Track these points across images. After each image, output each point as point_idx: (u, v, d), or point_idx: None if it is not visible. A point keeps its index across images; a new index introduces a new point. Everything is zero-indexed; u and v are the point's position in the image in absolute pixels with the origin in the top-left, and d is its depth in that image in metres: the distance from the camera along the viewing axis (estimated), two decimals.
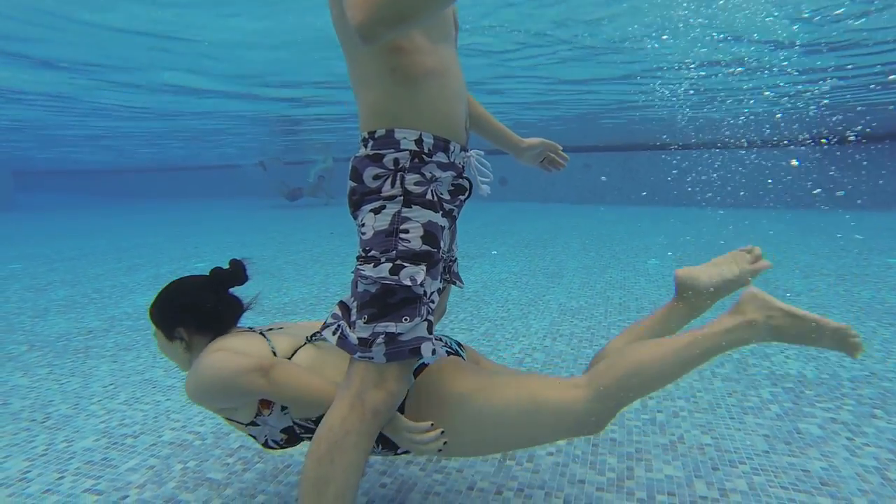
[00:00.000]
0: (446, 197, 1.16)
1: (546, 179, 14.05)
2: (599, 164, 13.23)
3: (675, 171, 12.24)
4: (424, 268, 1.07)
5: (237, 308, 1.44)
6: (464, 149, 1.21)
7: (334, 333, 1.11)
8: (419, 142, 1.09)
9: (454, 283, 1.36)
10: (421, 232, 1.07)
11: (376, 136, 1.09)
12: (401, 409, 1.29)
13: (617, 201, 13.11)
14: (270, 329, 1.44)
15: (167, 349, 1.40)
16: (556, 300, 3.92)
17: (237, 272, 1.43)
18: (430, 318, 1.11)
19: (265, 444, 1.38)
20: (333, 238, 7.71)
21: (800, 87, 7.43)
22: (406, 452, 1.36)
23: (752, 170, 11.45)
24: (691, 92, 7.69)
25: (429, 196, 1.10)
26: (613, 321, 3.38)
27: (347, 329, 1.09)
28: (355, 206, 1.13)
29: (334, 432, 1.04)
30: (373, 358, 1.05)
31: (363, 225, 1.09)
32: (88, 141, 12.94)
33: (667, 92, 7.71)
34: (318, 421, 1.33)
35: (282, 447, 1.40)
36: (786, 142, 10.99)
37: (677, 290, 1.50)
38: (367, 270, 1.06)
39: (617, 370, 1.23)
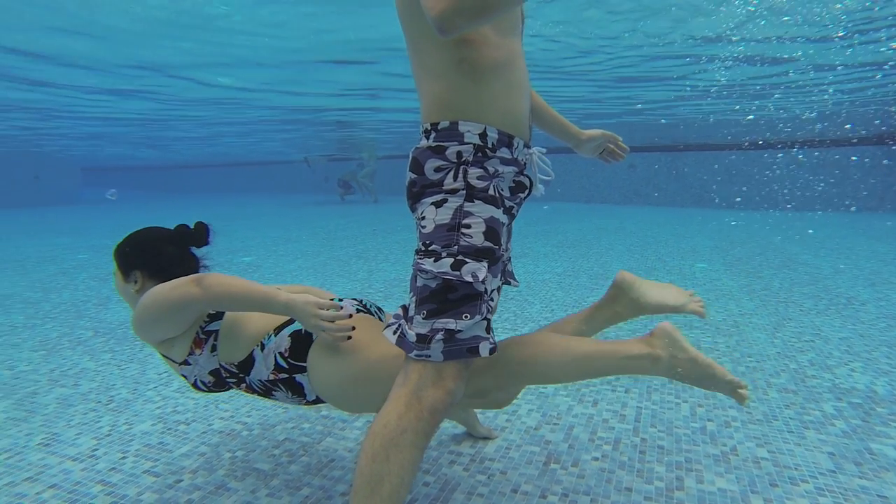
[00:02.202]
0: (507, 194, 1.13)
1: (589, 180, 13.78)
2: (645, 164, 12.87)
3: (724, 173, 11.77)
4: (486, 264, 1.05)
5: (193, 265, 1.54)
6: (526, 145, 1.18)
7: (394, 333, 1.10)
8: (483, 136, 1.06)
9: (509, 283, 1.34)
10: (483, 227, 1.05)
11: (439, 127, 1.07)
12: (307, 344, 1.35)
13: (662, 202, 12.72)
14: None
15: (121, 288, 1.50)
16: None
17: (200, 233, 1.53)
18: (490, 316, 1.08)
19: (194, 385, 1.47)
20: (377, 235, 7.80)
21: (860, 82, 7.00)
22: (318, 402, 1.42)
23: (809, 170, 10.87)
24: (736, 88, 7.37)
25: (491, 191, 1.07)
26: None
27: (406, 326, 1.08)
28: (415, 199, 1.11)
29: (390, 429, 1.02)
30: (430, 356, 1.03)
31: (423, 218, 1.07)
32: (149, 139, 13.58)
33: (717, 81, 7.43)
34: (240, 365, 1.41)
35: (210, 390, 1.47)
36: (854, 140, 10.37)
37: (611, 290, 1.50)
38: (428, 265, 1.04)
39: (515, 355, 1.26)
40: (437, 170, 1.06)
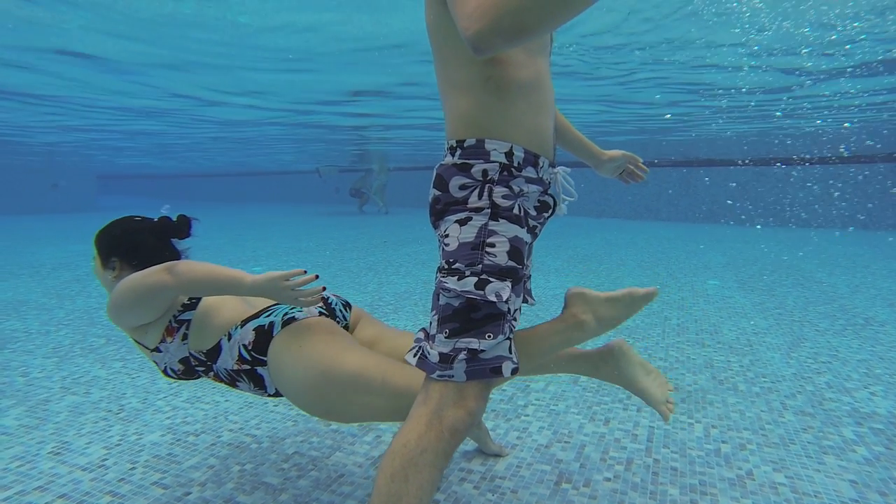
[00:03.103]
0: (532, 213, 1.13)
1: (600, 194, 13.76)
2: (657, 179, 12.83)
3: (737, 188, 11.69)
4: (510, 284, 1.04)
5: (173, 258, 1.59)
6: (552, 164, 1.18)
7: (415, 356, 1.09)
8: (510, 154, 1.06)
9: (526, 301, 1.34)
10: (507, 247, 1.04)
11: (465, 145, 1.07)
12: (268, 339, 1.39)
13: (673, 217, 12.65)
14: None
15: (99, 273, 1.55)
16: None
17: (181, 226, 1.59)
18: (512, 336, 1.08)
19: (165, 372, 1.50)
20: (387, 247, 7.82)
21: (877, 98, 6.95)
22: (278, 395, 1.45)
23: (823, 187, 10.78)
24: (752, 104, 7.35)
25: (516, 210, 1.07)
26: (671, 342, 3.24)
27: (428, 346, 1.07)
28: (438, 216, 1.10)
29: (410, 449, 1.01)
30: (453, 376, 1.02)
31: (447, 236, 1.07)
32: (165, 148, 13.78)
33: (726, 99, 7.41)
34: (208, 353, 1.45)
35: (179, 377, 1.51)
36: (874, 157, 10.27)
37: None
38: (451, 283, 1.03)
39: None
40: (462, 187, 1.06)
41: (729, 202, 11.78)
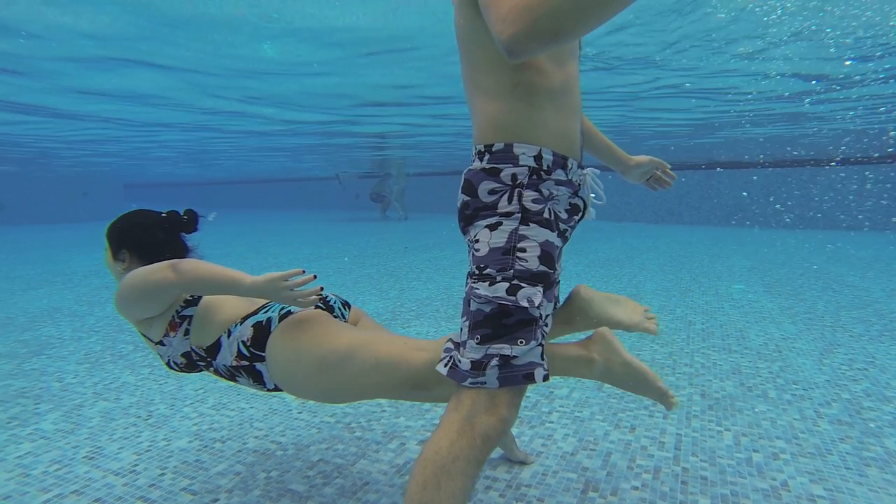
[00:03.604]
0: (563, 216, 1.12)
1: (621, 198, 13.61)
2: (678, 182, 12.65)
3: (761, 190, 11.46)
4: (541, 289, 1.03)
5: (181, 251, 1.63)
6: (580, 166, 1.17)
7: (445, 365, 1.09)
8: (538, 158, 1.05)
9: (554, 307, 1.33)
10: (538, 252, 1.03)
11: (494, 149, 1.06)
12: (266, 335, 1.42)
13: (695, 221, 12.45)
14: None
15: (110, 265, 1.60)
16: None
17: (189, 221, 1.64)
18: (544, 342, 1.07)
19: (168, 365, 1.55)
20: (407, 253, 7.85)
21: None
22: (277, 390, 1.48)
23: (854, 188, 10.49)
24: (774, 111, 7.21)
25: (546, 214, 1.06)
26: (696, 348, 3.18)
27: (458, 354, 1.06)
28: (467, 221, 1.10)
29: (442, 456, 1.00)
30: (485, 383, 1.01)
31: (477, 241, 1.06)
32: (193, 156, 14.08)
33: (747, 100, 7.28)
34: (208, 350, 1.48)
35: (182, 370, 1.55)
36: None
37: (566, 302, 1.51)
38: (482, 289, 1.02)
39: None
40: (492, 192, 1.05)
41: (751, 204, 11.55)
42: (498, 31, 0.81)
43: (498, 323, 1.01)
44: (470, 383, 1.03)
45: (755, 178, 11.54)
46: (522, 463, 1.88)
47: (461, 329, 1.09)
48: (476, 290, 1.03)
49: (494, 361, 1.01)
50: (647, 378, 1.31)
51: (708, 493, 1.69)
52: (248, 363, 1.44)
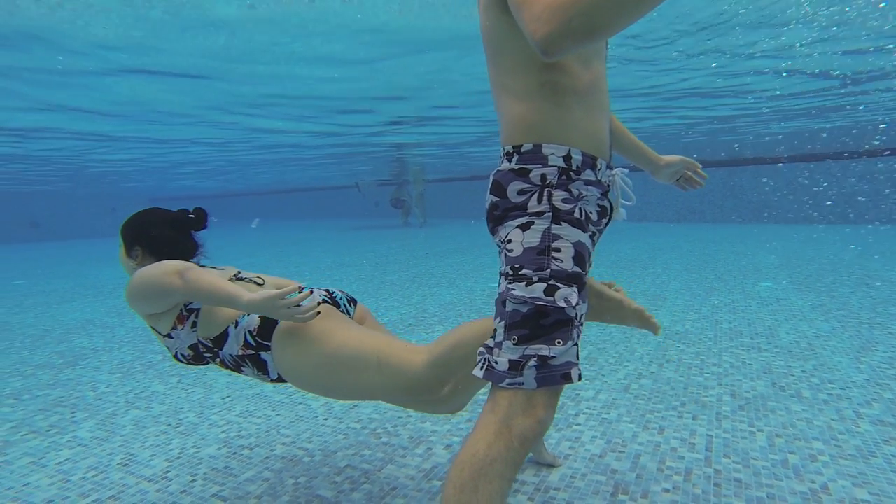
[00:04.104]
0: (594, 217, 1.11)
1: (641, 198, 13.44)
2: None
3: (785, 186, 11.19)
4: (577, 289, 1.03)
5: (191, 248, 1.70)
6: (609, 166, 1.16)
7: (481, 368, 1.08)
8: (567, 158, 1.05)
9: None
10: (572, 252, 1.03)
11: (522, 150, 1.06)
12: (273, 325, 1.47)
13: (718, 219, 12.22)
14: (222, 269, 1.69)
15: (123, 260, 1.68)
16: (661, 323, 3.68)
17: (199, 219, 1.71)
18: (579, 341, 1.07)
19: (176, 357, 1.60)
20: (428, 259, 7.87)
21: None
22: (280, 381, 1.53)
23: (881, 181, 10.18)
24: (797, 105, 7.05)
25: (577, 214, 1.05)
26: (724, 347, 3.11)
27: (493, 355, 1.06)
28: (497, 222, 1.09)
29: (479, 459, 0.99)
30: (523, 384, 1.01)
31: (509, 241, 1.06)
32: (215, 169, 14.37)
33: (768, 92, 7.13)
34: (215, 340, 1.54)
35: (189, 362, 1.60)
36: None
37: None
38: (519, 290, 1.02)
39: (447, 341, 1.32)
40: (521, 192, 1.05)
41: (775, 200, 11.29)
42: (532, 30, 0.81)
43: (535, 323, 1.01)
44: (507, 384, 1.02)
45: (781, 173, 11.29)
46: (550, 466, 1.86)
47: (495, 330, 1.08)
48: (512, 291, 1.03)
49: (532, 362, 1.00)
50: (621, 302, 1.36)
51: (742, 495, 1.65)
52: (253, 352, 1.48)
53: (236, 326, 1.52)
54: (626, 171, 1.23)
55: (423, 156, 12.32)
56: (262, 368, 1.50)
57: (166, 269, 1.44)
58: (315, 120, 7.21)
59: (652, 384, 2.60)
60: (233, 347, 1.52)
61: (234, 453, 2.08)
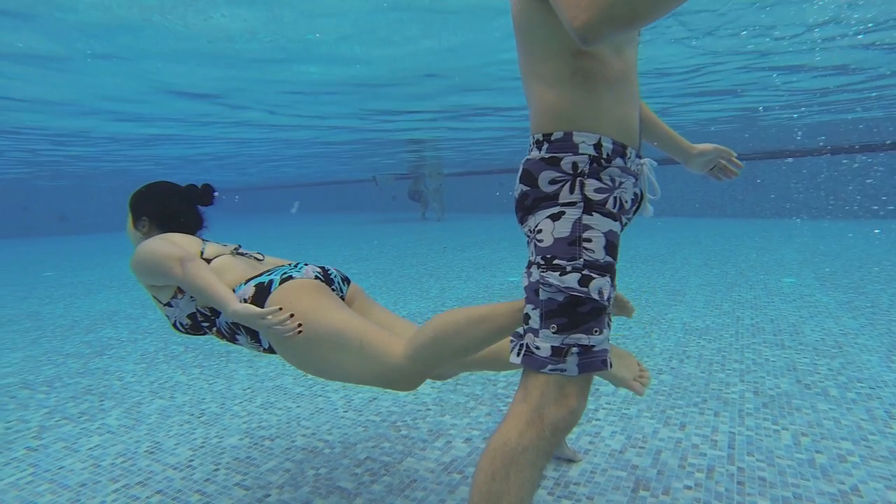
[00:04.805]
0: (626, 206, 1.11)
1: (661, 192, 13.25)
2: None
3: (809, 180, 10.93)
4: (609, 279, 1.03)
5: (196, 222, 1.76)
6: (638, 155, 1.15)
7: (518, 354, 1.08)
8: (598, 146, 1.04)
9: None
10: (604, 242, 1.03)
11: (553, 138, 1.05)
12: (266, 294, 1.47)
13: (739, 214, 11.99)
14: (224, 245, 1.72)
15: (130, 231, 1.73)
16: (680, 319, 3.64)
17: (206, 194, 1.77)
18: (610, 329, 1.07)
19: (174, 326, 1.65)
20: (446, 253, 7.87)
21: None
22: (272, 351, 1.58)
23: None
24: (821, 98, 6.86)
25: (609, 204, 1.05)
26: (746, 343, 3.06)
27: (532, 341, 1.06)
28: (527, 211, 1.09)
29: (510, 447, 1.00)
30: (565, 370, 1.01)
31: (539, 231, 1.06)
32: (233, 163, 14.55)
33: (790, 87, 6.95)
34: (212, 309, 1.58)
35: (187, 332, 1.64)
36: None
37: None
38: (553, 279, 1.02)
39: (425, 333, 1.31)
40: (553, 182, 1.04)
41: (799, 195, 11.03)
42: (571, 16, 0.80)
43: (573, 312, 1.01)
44: (550, 370, 1.02)
45: (805, 166, 11.02)
46: (571, 461, 1.86)
47: (528, 316, 1.08)
48: (547, 280, 1.03)
49: (574, 350, 1.01)
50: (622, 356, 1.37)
51: (767, 494, 1.62)
52: None
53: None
54: (654, 162, 1.21)
55: (442, 148, 12.30)
56: (254, 336, 1.53)
57: (170, 253, 1.48)
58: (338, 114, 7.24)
59: (672, 380, 2.57)
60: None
61: (256, 444, 2.11)
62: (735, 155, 1.50)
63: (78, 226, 17.59)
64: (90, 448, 2.14)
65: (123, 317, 4.54)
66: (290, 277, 1.51)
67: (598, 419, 2.19)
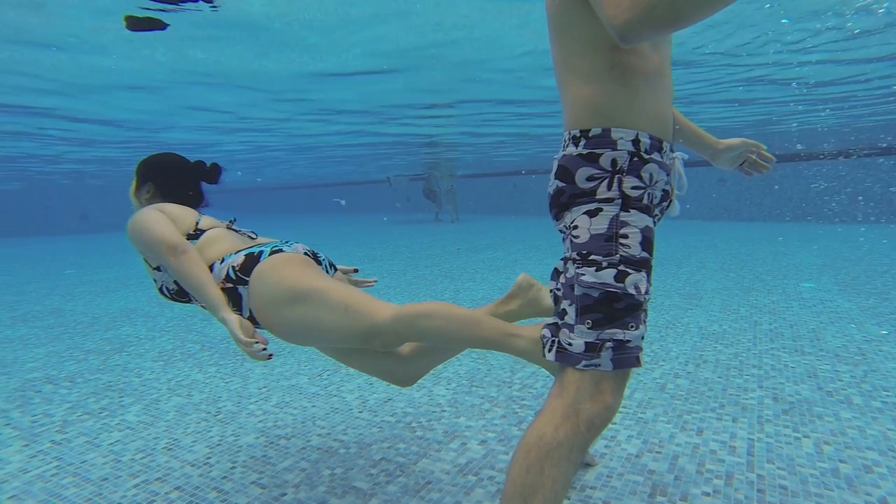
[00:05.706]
0: (657, 201, 1.11)
1: (675, 195, 13.11)
2: (736, 177, 12.06)
3: (827, 184, 10.74)
4: (646, 275, 1.03)
5: (198, 197, 1.79)
6: (671, 149, 1.14)
7: (550, 350, 1.09)
8: (636, 142, 1.03)
9: None
10: (640, 238, 1.02)
11: (591, 134, 1.05)
12: (255, 263, 1.48)
13: (756, 217, 11.82)
14: (220, 222, 1.74)
15: (133, 195, 1.76)
16: (696, 323, 3.60)
17: (213, 172, 1.79)
18: (646, 325, 1.07)
19: (160, 290, 1.66)
20: (460, 255, 7.87)
21: None
22: (251, 321, 1.56)
23: None
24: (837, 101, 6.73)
25: (645, 200, 1.05)
26: (764, 349, 3.01)
27: (567, 336, 1.06)
28: (562, 208, 1.09)
29: (546, 442, 1.00)
30: (599, 365, 1.01)
31: (575, 227, 1.06)
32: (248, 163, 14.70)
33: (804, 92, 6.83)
34: None
35: (172, 298, 1.65)
36: None
37: (512, 290, 1.56)
38: (589, 275, 1.02)
39: (417, 308, 1.34)
40: (590, 178, 1.04)
41: (817, 199, 10.83)
42: (611, 15, 0.80)
43: (609, 307, 1.01)
44: (584, 365, 1.02)
45: (824, 169, 10.83)
46: (587, 465, 1.84)
47: (563, 311, 1.07)
48: (582, 276, 1.03)
49: (609, 344, 1.01)
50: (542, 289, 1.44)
51: (789, 503, 1.59)
52: (232, 286, 1.52)
53: (222, 262, 1.57)
54: (685, 156, 1.20)
55: (454, 149, 12.30)
56: (236, 303, 1.53)
57: (165, 237, 1.48)
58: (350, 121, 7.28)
59: (689, 384, 2.54)
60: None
61: (272, 443, 2.13)
62: (765, 148, 1.46)
63: (98, 225, 17.92)
64: (111, 443, 2.18)
65: (141, 314, 4.61)
66: (280, 251, 1.54)
67: (614, 423, 2.17)
